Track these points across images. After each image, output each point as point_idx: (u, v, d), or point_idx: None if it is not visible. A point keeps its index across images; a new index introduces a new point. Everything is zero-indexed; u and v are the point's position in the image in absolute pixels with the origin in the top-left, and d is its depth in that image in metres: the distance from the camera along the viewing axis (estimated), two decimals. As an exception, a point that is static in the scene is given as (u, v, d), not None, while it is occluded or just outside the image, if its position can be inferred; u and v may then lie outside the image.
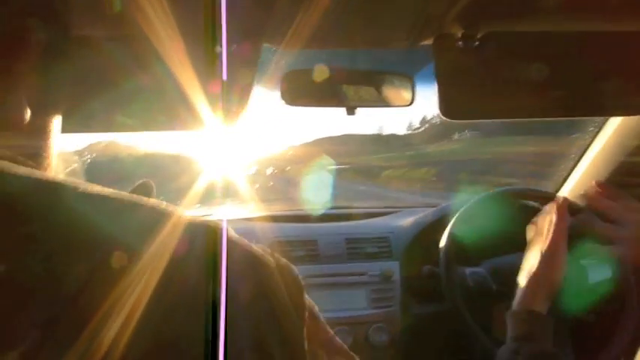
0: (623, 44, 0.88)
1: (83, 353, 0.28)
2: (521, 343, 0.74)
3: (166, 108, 0.77)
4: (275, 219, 1.72)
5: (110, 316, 0.28)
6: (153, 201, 0.37)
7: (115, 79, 0.76)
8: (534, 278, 0.84)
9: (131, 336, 0.28)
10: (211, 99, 0.75)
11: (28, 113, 0.41)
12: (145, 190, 0.52)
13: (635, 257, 0.95)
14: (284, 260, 0.38)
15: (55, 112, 0.44)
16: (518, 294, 0.84)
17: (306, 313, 0.37)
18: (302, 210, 1.88)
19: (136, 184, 0.52)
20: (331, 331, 0.41)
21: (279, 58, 0.86)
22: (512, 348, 0.74)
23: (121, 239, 0.32)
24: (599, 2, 0.78)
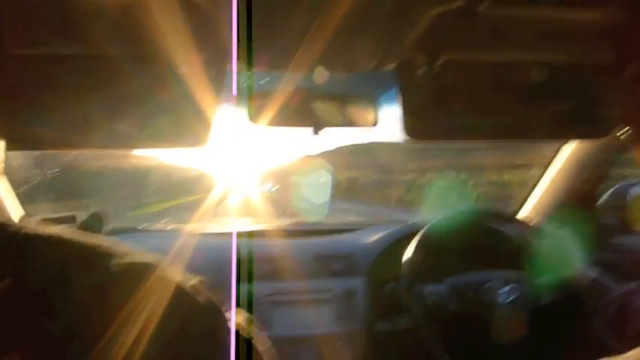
0: (577, 74, 0.93)
1: None
2: None
3: (176, 126, 0.78)
4: (242, 235, 1.72)
5: None
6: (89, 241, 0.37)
7: (126, 98, 0.77)
8: None
9: None
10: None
11: None
12: (95, 220, 0.53)
13: None
14: (215, 300, 0.39)
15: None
16: None
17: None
18: (272, 225, 1.88)
19: (88, 214, 0.53)
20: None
21: (245, 79, 0.88)
22: None
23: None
24: (556, 34, 0.83)
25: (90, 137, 0.79)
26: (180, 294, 0.36)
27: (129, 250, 0.37)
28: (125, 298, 0.33)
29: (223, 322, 0.38)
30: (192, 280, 0.38)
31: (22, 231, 0.35)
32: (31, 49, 0.72)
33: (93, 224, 0.50)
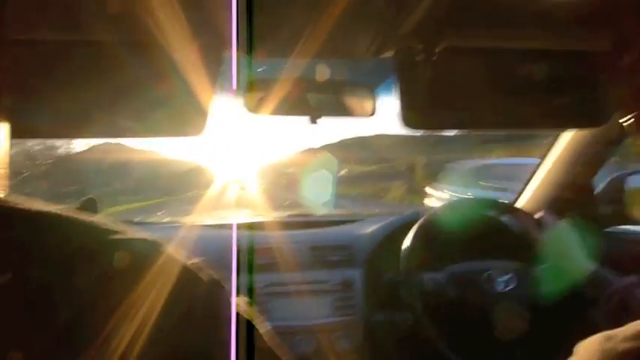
0: (574, 62, 0.93)
1: None
2: None
3: (172, 114, 0.78)
4: (240, 227, 1.72)
5: None
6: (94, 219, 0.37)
7: (123, 85, 0.76)
8: None
9: None
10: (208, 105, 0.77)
11: None
12: (89, 205, 0.54)
13: None
14: (216, 277, 0.39)
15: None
16: None
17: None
18: (267, 217, 1.88)
19: (82, 199, 0.54)
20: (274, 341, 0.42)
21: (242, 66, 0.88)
22: None
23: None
24: (555, 21, 0.82)
25: (87, 126, 0.78)
26: (184, 270, 0.37)
27: (129, 229, 0.37)
28: (129, 275, 0.33)
29: (225, 297, 0.38)
30: (193, 260, 0.39)
31: (26, 209, 0.36)
32: (30, 34, 0.71)
33: (87, 209, 0.50)
